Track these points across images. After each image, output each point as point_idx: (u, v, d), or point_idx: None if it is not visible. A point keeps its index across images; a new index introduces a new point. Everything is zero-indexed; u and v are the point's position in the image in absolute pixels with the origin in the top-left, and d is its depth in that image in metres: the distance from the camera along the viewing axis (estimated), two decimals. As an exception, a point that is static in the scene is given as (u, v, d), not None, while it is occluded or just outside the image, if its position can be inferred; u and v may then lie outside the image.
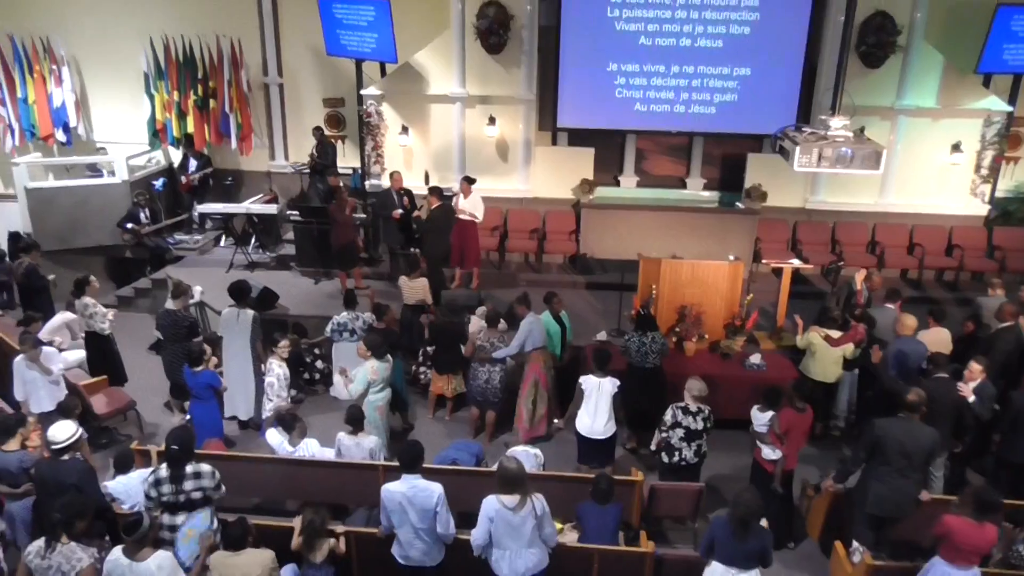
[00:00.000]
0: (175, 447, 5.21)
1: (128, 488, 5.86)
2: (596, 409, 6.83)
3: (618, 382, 6.84)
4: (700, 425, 6.44)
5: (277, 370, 7.91)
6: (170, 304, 8.05)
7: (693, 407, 6.43)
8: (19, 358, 7.17)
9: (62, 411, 6.49)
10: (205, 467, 5.30)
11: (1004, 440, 6.64)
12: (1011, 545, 5.53)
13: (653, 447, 6.70)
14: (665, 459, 6.57)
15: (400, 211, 10.36)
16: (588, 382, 6.86)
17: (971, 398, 6.48)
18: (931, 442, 5.69)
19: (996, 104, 11.06)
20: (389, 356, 7.29)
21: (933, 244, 11.08)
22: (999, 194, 11.69)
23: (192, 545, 5.21)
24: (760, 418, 6.36)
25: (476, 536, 5.00)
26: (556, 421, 8.09)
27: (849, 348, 7.63)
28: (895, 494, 5.73)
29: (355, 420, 6.47)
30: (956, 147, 11.15)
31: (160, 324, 8.15)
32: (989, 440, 7.13)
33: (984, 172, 11.30)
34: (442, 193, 9.84)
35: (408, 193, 10.60)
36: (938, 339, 7.64)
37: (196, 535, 5.22)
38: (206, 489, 5.26)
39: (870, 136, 8.17)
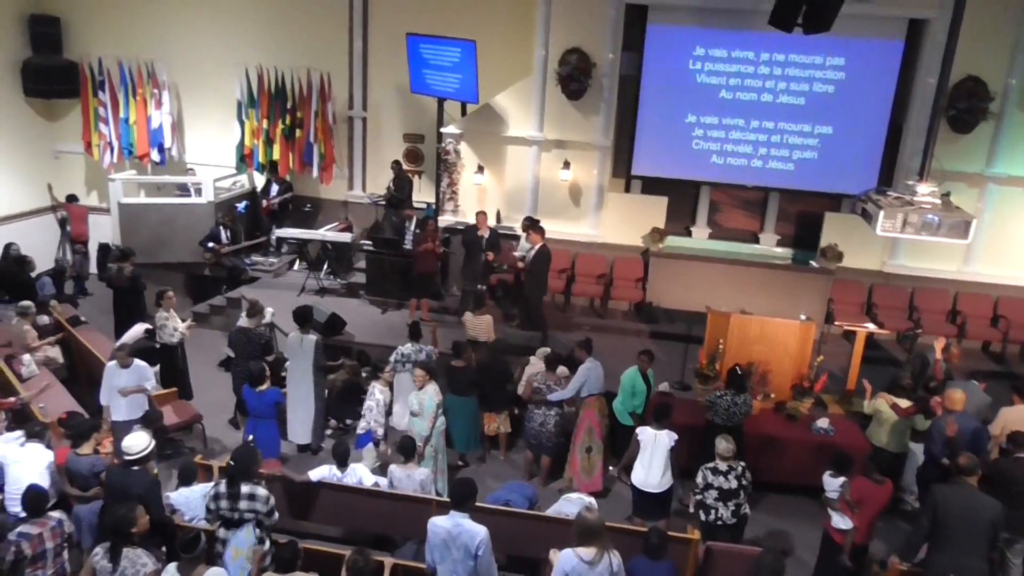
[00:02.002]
0: (234, 463, 5.34)
1: (190, 501, 6.01)
2: (651, 462, 6.71)
3: (675, 436, 6.71)
4: (734, 484, 6.25)
5: (378, 395, 7.80)
6: (244, 322, 8.29)
7: (723, 467, 6.27)
8: (111, 364, 7.42)
9: (146, 422, 6.73)
10: (261, 491, 5.37)
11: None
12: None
13: (692, 508, 6.53)
14: (703, 517, 6.41)
15: (492, 254, 10.40)
16: (645, 434, 6.76)
17: (1056, 482, 6.11)
18: (993, 512, 5.40)
19: (1090, 176, 10.62)
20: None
21: (1019, 317, 10.57)
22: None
23: (241, 562, 5.29)
24: (831, 484, 6.16)
25: None
26: (611, 469, 7.97)
27: (920, 419, 7.33)
28: (959, 568, 5.41)
29: (407, 450, 6.51)
30: (1049, 218, 10.71)
31: (233, 341, 8.39)
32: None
33: (1078, 246, 10.80)
34: (544, 233, 9.95)
35: (493, 232, 10.69)
36: (1021, 417, 7.25)
37: (242, 553, 5.29)
38: (258, 512, 5.33)
39: (956, 202, 7.93)
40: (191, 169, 13.46)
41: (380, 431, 7.70)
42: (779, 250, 11.93)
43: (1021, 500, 5.96)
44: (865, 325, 8.96)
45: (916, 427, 7.39)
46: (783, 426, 8.00)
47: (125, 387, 7.31)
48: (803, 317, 8.63)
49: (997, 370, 9.97)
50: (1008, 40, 10.43)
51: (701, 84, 11.23)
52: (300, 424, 8.18)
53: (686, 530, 6.35)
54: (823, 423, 7.94)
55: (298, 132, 12.85)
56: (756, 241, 12.09)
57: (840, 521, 6.03)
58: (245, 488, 5.31)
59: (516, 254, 10.39)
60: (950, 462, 6.19)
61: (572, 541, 4.84)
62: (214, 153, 13.51)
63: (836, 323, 9.97)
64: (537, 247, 9.78)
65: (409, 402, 7.34)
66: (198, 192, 12.47)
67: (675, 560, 5.74)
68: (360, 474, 6.65)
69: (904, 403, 7.41)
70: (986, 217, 10.79)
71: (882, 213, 6.85)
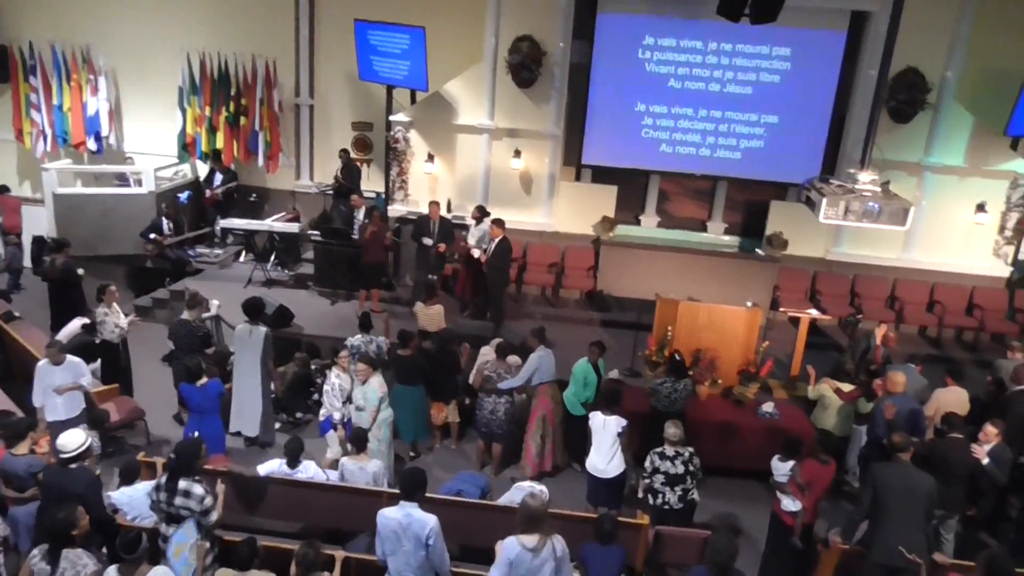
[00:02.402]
0: (174, 456, 5.22)
1: (133, 499, 5.84)
2: (599, 447, 6.77)
3: (624, 422, 6.76)
4: (680, 469, 6.34)
5: (334, 380, 7.74)
6: (185, 314, 8.10)
7: (670, 451, 6.35)
8: (42, 362, 7.16)
9: (92, 423, 6.52)
10: (197, 490, 5.15)
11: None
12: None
13: (640, 494, 6.62)
14: (651, 501, 6.50)
15: (443, 245, 10.38)
16: (595, 419, 6.82)
17: (985, 460, 6.35)
18: (928, 486, 5.58)
19: (1023, 167, 11.02)
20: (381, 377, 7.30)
21: (954, 303, 10.96)
22: (1022, 256, 11.58)
23: (184, 559, 5.16)
24: (781, 468, 6.28)
25: None
26: (575, 465, 8.02)
27: (862, 402, 7.54)
28: (900, 541, 5.60)
29: (360, 441, 6.45)
30: (981, 207, 11.10)
31: (174, 334, 8.19)
32: (1006, 505, 6.99)
33: (1008, 234, 11.22)
34: (504, 226, 9.93)
35: (446, 223, 10.63)
36: (955, 399, 7.52)
37: (185, 549, 5.17)
38: (192, 511, 5.15)
39: (896, 191, 8.15)
40: (130, 158, 13.07)
41: (337, 415, 7.61)
42: (727, 238, 12.13)
43: (954, 479, 6.19)
44: (809, 311, 9.16)
45: (859, 410, 7.60)
46: (731, 411, 8.14)
47: (61, 385, 7.07)
48: (749, 304, 8.78)
49: (933, 354, 10.31)
50: (946, 33, 10.76)
51: (650, 73, 11.31)
52: (248, 417, 8.03)
53: (636, 516, 6.43)
54: (768, 407, 8.11)
55: (243, 120, 12.57)
56: (704, 229, 12.27)
57: (790, 504, 6.17)
58: (182, 484, 5.14)
59: (470, 243, 10.31)
60: (887, 442, 6.39)
61: (515, 527, 4.84)
62: (155, 142, 13.15)
63: (781, 309, 10.20)
64: (498, 240, 9.77)
65: (354, 396, 7.27)
66: (138, 182, 12.10)
67: (625, 545, 5.82)
68: (312, 471, 6.57)
69: (847, 387, 7.61)
70: (924, 205, 11.13)
71: (825, 201, 7.01)
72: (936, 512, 5.90)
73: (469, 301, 10.53)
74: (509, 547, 4.78)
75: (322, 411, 7.84)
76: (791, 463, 6.21)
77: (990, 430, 6.48)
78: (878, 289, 11.19)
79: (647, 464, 6.44)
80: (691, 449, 6.43)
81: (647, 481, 6.46)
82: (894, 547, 5.58)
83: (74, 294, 9.53)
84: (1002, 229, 11.24)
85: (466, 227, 10.80)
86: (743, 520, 7.36)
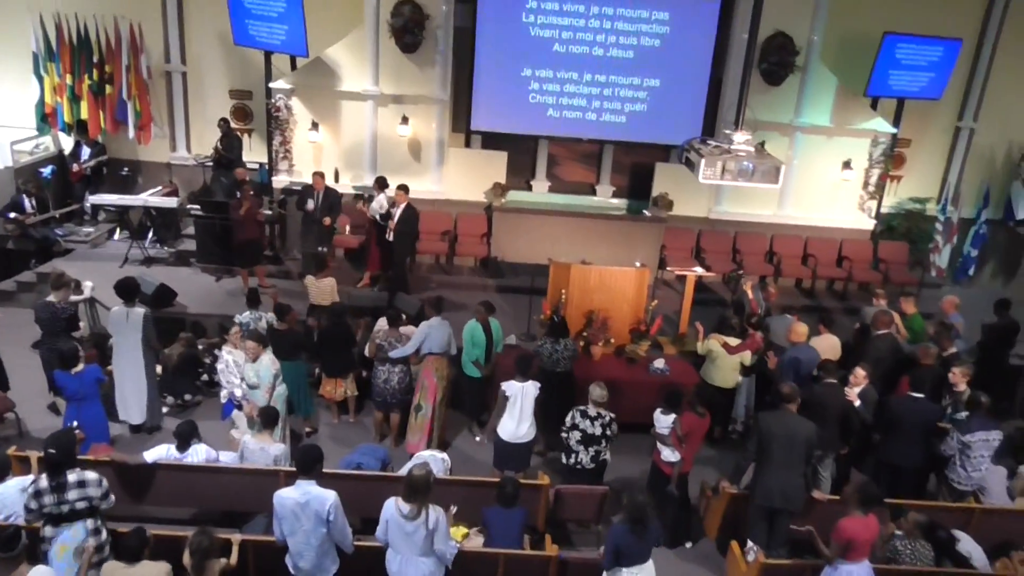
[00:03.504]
0: (53, 451, 4.90)
1: (4, 497, 5.47)
2: (520, 413, 6.80)
3: (539, 385, 6.87)
4: (598, 431, 6.53)
5: (227, 357, 7.52)
6: (50, 296, 7.60)
7: (592, 411, 6.53)
8: None
9: None
10: (91, 475, 4.99)
11: (881, 442, 7.04)
12: (888, 540, 5.88)
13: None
14: (563, 460, 6.66)
15: (328, 219, 10.06)
16: (512, 387, 6.80)
17: (857, 402, 6.86)
18: (808, 432, 5.99)
19: (882, 126, 11.77)
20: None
21: (825, 255, 11.66)
22: (884, 210, 12.44)
23: (68, 560, 4.91)
24: (663, 420, 6.51)
25: (377, 533, 5.04)
26: (479, 438, 8.08)
27: (747, 355, 7.94)
28: (780, 484, 6.00)
29: (271, 419, 6.30)
30: (847, 164, 11.80)
31: (38, 317, 7.66)
32: (870, 441, 7.56)
33: (871, 189, 12.02)
34: (408, 191, 9.76)
35: (331, 193, 10.33)
36: (828, 345, 8.03)
37: (70, 549, 4.93)
38: (92, 499, 4.96)
39: (770, 151, 8.53)
40: (-19, 131, 12.02)
41: (238, 392, 7.35)
42: (615, 201, 12.41)
43: (830, 420, 6.64)
44: (694, 269, 9.53)
45: (744, 362, 7.98)
46: (623, 369, 8.40)
47: None
48: (638, 264, 9.04)
49: (808, 304, 10.95)
50: (810, -2, 11.26)
51: (535, 37, 11.32)
52: (133, 403, 7.65)
53: (537, 477, 6.58)
54: (659, 364, 8.41)
55: (108, 88, 11.76)
56: (593, 193, 12.50)
57: (670, 454, 6.45)
58: (72, 476, 4.89)
59: (373, 213, 10.05)
60: (774, 391, 6.76)
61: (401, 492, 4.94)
62: (9, 113, 12.13)
63: (668, 268, 10.56)
64: (403, 206, 9.63)
65: (245, 375, 7.05)
66: (-8, 157, 11.17)
67: (527, 506, 5.95)
68: (203, 455, 6.35)
69: (734, 342, 7.97)
70: (795, 164, 11.74)
71: (703, 161, 7.23)
72: (815, 453, 6.32)
73: (381, 275, 10.33)
74: (388, 506, 4.96)
75: (223, 392, 7.61)
76: (673, 416, 6.46)
77: (859, 373, 6.99)
78: (757, 245, 11.75)
79: (567, 419, 6.57)
80: (612, 415, 6.59)
81: (564, 436, 6.60)
82: (774, 488, 5.97)
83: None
84: (866, 184, 12.02)
85: (360, 197, 10.57)
86: (634, 471, 7.64)
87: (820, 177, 11.96)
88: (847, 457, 7.23)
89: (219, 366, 7.66)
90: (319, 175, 10.27)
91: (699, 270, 9.61)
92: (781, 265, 11.48)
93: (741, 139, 7.44)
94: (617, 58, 11.47)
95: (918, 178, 13.27)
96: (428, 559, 5.01)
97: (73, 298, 7.96)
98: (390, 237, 9.82)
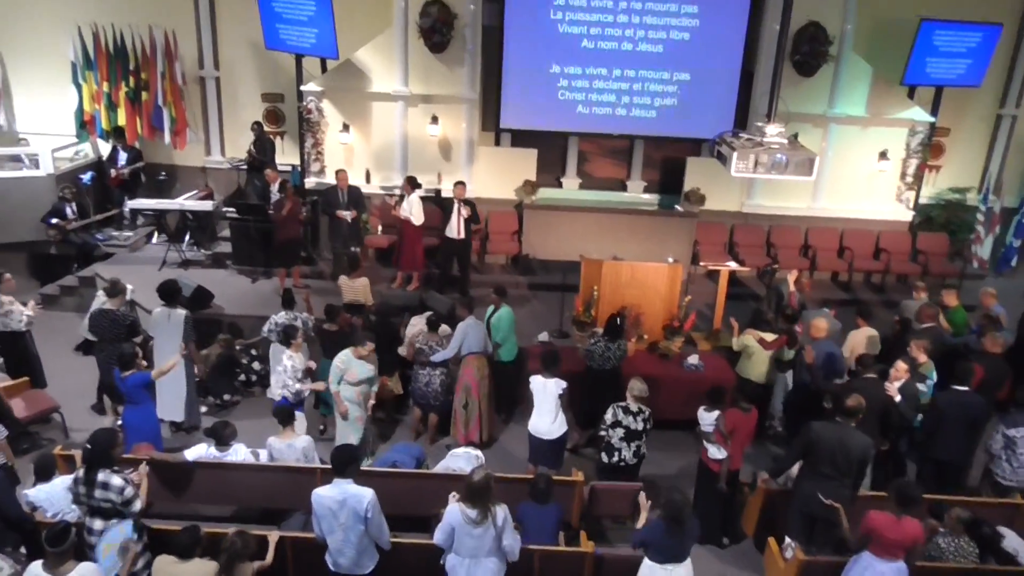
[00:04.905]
0: (89, 447, 5.05)
1: (51, 496, 5.61)
2: (541, 409, 6.86)
3: (564, 383, 6.86)
4: (640, 426, 6.52)
5: (286, 362, 7.47)
6: (107, 304, 7.75)
7: (634, 407, 6.51)
8: None
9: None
10: (116, 481, 5.01)
11: (927, 438, 6.89)
12: (930, 538, 5.76)
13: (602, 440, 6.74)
14: (605, 459, 6.64)
15: (349, 213, 10.18)
16: (535, 383, 6.89)
17: (897, 397, 6.72)
18: (863, 451, 5.76)
19: (920, 115, 11.52)
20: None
21: (862, 248, 11.47)
22: (922, 200, 12.17)
23: (113, 558, 5.03)
24: (706, 418, 6.46)
25: (437, 538, 5.01)
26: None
27: (784, 349, 7.83)
28: (824, 493, 5.88)
29: (288, 416, 6.39)
30: (883, 155, 11.56)
31: (95, 325, 7.80)
32: (914, 437, 7.41)
33: (909, 179, 11.76)
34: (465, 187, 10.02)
35: (355, 191, 10.44)
36: (866, 339, 7.90)
37: (114, 548, 5.04)
38: (114, 503, 5.02)
39: (803, 143, 8.41)
40: (24, 139, 12.31)
41: (291, 395, 7.34)
42: (646, 196, 12.31)
43: (870, 416, 6.49)
44: (727, 264, 9.43)
45: (782, 358, 7.86)
46: (657, 365, 8.34)
47: None
48: (670, 259, 8.98)
49: (845, 298, 10.78)
50: (843, -14, 11.06)
51: (563, 34, 11.27)
52: (172, 402, 7.80)
53: (571, 474, 6.56)
54: (693, 360, 8.34)
55: (144, 95, 11.98)
56: (624, 189, 12.42)
57: (716, 452, 6.38)
58: (100, 476, 4.99)
59: (402, 214, 10.11)
60: (835, 401, 6.52)
61: (462, 496, 4.93)
62: (50, 121, 12.40)
63: (701, 263, 10.46)
64: (466, 201, 9.86)
65: (352, 370, 6.98)
66: (35, 164, 11.41)
67: (561, 503, 5.94)
68: (243, 454, 6.45)
69: (770, 337, 7.87)
70: (829, 155, 11.53)
71: (735, 155, 7.15)
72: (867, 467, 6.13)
73: (424, 274, 10.39)
74: (452, 513, 4.91)
75: (277, 391, 7.55)
76: (716, 413, 6.40)
77: (901, 367, 6.84)
78: (792, 238, 11.59)
79: (608, 416, 6.56)
80: (649, 409, 6.58)
81: (603, 433, 6.58)
82: (816, 497, 5.83)
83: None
84: (903, 175, 11.76)
85: (391, 195, 10.65)
86: (671, 468, 7.60)
87: (855, 168, 11.74)
88: (888, 454, 7.09)
89: (277, 368, 7.56)
90: (342, 172, 10.37)
91: (733, 265, 9.51)
92: (816, 258, 11.30)
93: (774, 131, 7.35)
94: (646, 52, 11.38)
95: (958, 167, 12.95)
96: (492, 559, 5.00)
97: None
98: (461, 235, 9.96)
